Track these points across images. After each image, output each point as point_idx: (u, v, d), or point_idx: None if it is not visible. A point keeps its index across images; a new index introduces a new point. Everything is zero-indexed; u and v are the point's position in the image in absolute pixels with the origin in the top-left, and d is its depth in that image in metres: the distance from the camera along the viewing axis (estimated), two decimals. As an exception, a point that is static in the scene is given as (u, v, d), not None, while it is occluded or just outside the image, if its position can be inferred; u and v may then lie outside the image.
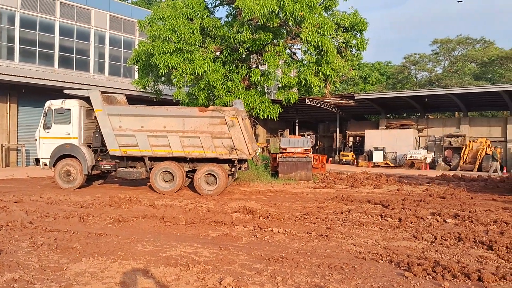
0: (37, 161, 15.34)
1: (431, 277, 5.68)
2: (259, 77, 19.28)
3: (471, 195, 14.68)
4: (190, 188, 15.09)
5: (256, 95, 19.99)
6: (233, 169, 14.47)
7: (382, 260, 6.50)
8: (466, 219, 9.89)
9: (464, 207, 11.76)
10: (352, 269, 5.99)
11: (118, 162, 14.70)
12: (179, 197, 13.06)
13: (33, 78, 24.32)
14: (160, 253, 6.59)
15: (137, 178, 14.82)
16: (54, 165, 14.73)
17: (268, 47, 18.73)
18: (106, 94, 15.02)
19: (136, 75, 27.39)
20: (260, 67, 21.12)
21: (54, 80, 25.09)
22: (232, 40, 18.45)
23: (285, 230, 8.43)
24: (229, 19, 21.25)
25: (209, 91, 19.81)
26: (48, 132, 14.84)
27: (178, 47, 17.88)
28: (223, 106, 18.26)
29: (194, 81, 19.61)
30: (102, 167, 14.80)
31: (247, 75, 20.04)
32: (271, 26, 18.04)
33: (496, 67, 52.44)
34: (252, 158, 14.85)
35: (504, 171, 28.39)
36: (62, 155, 14.67)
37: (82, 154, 14.51)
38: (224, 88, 19.24)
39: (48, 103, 15.05)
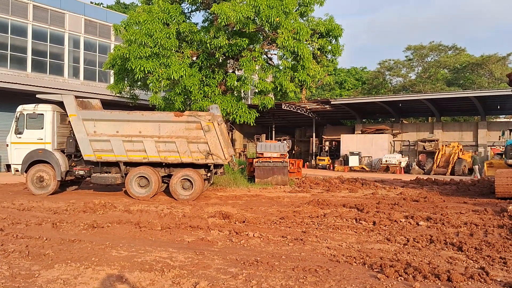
0: (8, 166, 15.00)
1: (402, 278, 5.79)
2: (236, 82, 19.37)
3: (443, 198, 15.00)
4: (166, 193, 15.00)
5: (233, 100, 20.05)
6: (209, 174, 14.46)
7: (355, 262, 6.60)
8: (438, 222, 10.12)
9: (436, 210, 12.02)
10: (326, 271, 6.07)
11: (93, 168, 14.53)
12: (155, 202, 12.97)
13: (5, 82, 23.80)
14: (134, 258, 6.54)
15: (112, 184, 14.66)
16: (26, 171, 14.44)
17: (245, 52, 18.83)
18: (81, 99, 14.85)
19: (112, 80, 27.13)
20: (236, 72, 21.22)
21: (27, 85, 24.59)
22: (208, 45, 18.49)
23: (261, 234, 8.47)
24: (206, 24, 21.32)
25: (186, 96, 19.78)
26: (20, 138, 14.56)
27: (154, 51, 17.82)
28: (199, 111, 18.26)
29: (170, 86, 19.55)
30: (76, 172, 14.59)
31: (224, 80, 20.10)
32: (247, 32, 18.18)
33: (468, 73, 53.79)
34: (228, 162, 14.87)
35: (476, 174, 29.08)
36: (34, 160, 14.40)
37: (56, 160, 14.28)
38: (201, 93, 19.26)
39: (20, 108, 14.77)
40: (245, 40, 18.28)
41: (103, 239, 7.84)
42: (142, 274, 5.68)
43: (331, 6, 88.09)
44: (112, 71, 22.39)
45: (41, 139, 14.47)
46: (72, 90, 24.87)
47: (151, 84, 18.51)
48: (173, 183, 13.98)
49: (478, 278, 5.76)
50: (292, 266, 6.31)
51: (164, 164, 14.19)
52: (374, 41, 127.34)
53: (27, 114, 14.61)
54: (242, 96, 22.87)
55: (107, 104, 19.04)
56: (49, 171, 14.35)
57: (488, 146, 32.02)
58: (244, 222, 9.86)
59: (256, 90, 19.98)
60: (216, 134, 13.62)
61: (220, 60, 20.02)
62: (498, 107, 33.59)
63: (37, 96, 15.22)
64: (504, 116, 43.01)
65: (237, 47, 18.47)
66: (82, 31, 29.94)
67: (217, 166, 14.48)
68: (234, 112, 20.06)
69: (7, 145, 14.79)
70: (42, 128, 14.50)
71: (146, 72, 17.99)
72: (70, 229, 8.85)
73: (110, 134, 13.73)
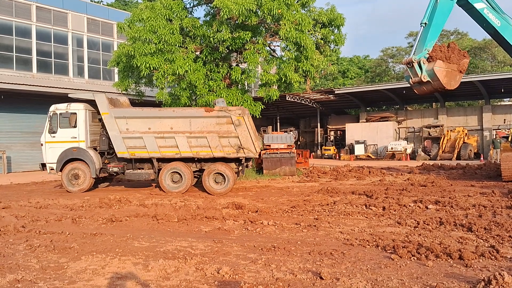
0: (43, 165, 15.30)
1: (415, 258, 6.02)
2: (240, 75, 19.52)
3: (450, 183, 15.21)
4: (198, 187, 15.21)
5: (238, 93, 20.22)
6: (240, 167, 14.75)
7: (369, 245, 6.83)
8: (447, 205, 10.33)
9: (444, 194, 12.23)
10: (341, 254, 6.31)
11: (126, 164, 14.82)
12: (168, 196, 13.23)
13: (12, 83, 24.04)
14: (156, 248, 6.80)
15: (146, 180, 14.97)
16: (61, 170, 14.75)
17: (248, 45, 18.97)
18: (110, 97, 15.10)
19: (116, 78, 27.34)
20: (240, 65, 21.35)
21: (33, 85, 24.87)
22: (211, 39, 18.64)
23: (275, 222, 8.72)
24: (208, 18, 21.44)
25: (191, 91, 19.97)
26: (54, 137, 14.85)
27: (159, 48, 18.01)
28: (205, 105, 18.49)
29: (175, 82, 19.74)
30: (110, 169, 14.89)
31: (228, 74, 20.26)
32: (250, 24, 18.31)
33: (471, 58, 53.61)
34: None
35: (481, 158, 29.21)
36: (69, 159, 14.73)
37: (90, 157, 14.60)
38: (206, 88, 19.43)
39: (53, 107, 15.07)
40: (248, 33, 18.40)
41: (124, 232, 8.11)
42: (167, 262, 5.93)
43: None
44: (117, 69, 22.58)
45: (75, 137, 14.76)
46: (78, 89, 25.13)
47: (156, 80, 18.70)
48: (205, 177, 14.20)
49: (489, 256, 5.98)
50: (308, 251, 6.55)
51: (196, 159, 14.44)
52: (377, 29, 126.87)
53: (60, 113, 14.89)
54: (247, 89, 23.02)
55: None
56: (84, 168, 14.67)
57: (493, 129, 32.06)
58: (257, 211, 10.10)
59: (261, 83, 20.13)
60: (247, 128, 13.84)
61: (224, 53, 20.16)
62: (502, 90, 33.55)
63: (69, 95, 15.51)
64: (508, 99, 42.95)
65: (240, 40, 18.60)
66: (85, 30, 30.09)
67: (247, 159, 14.75)
68: (239, 105, 20.23)
69: (41, 145, 15.08)
70: (75, 127, 14.79)
71: (152, 68, 18.20)
72: (89, 223, 9.13)
73: (142, 131, 13.98)
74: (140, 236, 7.69)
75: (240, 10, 16.71)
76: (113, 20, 30.32)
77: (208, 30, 19.05)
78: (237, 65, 21.20)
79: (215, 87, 19.65)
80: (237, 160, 14.55)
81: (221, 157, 14.23)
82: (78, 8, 29.67)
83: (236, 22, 18.98)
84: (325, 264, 5.88)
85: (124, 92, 22.01)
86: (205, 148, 14.02)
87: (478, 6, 14.31)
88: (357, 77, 60.69)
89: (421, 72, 12.92)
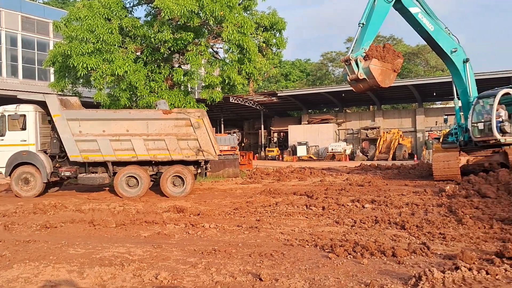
0: None
1: (351, 256, 6.22)
2: (182, 77, 19.35)
3: (386, 182, 15.85)
4: (154, 191, 14.83)
5: (180, 95, 20.02)
6: (199, 170, 14.51)
7: (308, 245, 6.98)
8: (382, 204, 10.76)
9: (380, 193, 12.72)
10: (281, 255, 6.40)
11: (79, 168, 14.16)
12: (106, 201, 12.83)
13: None
14: (92, 255, 6.58)
15: (100, 184, 14.40)
16: (10, 174, 13.92)
17: (190, 46, 18.81)
18: (61, 98, 14.39)
19: (52, 78, 26.18)
20: (182, 66, 21.16)
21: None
22: (152, 40, 18.32)
23: (216, 225, 8.70)
24: (149, 18, 21.06)
25: (131, 92, 19.51)
26: (2, 140, 13.97)
27: (97, 47, 17.47)
28: (146, 107, 18.16)
29: (115, 82, 19.22)
30: (61, 174, 14.18)
31: (170, 75, 19.99)
32: (192, 26, 18.16)
33: (405, 63, 56.21)
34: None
35: (415, 158, 30.70)
36: (19, 163, 13.92)
37: (41, 161, 13.87)
38: (147, 89, 19.08)
39: (0, 109, 14.15)
40: (190, 34, 18.26)
41: (58, 239, 7.77)
42: (103, 269, 5.75)
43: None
44: (53, 69, 21.65)
45: (24, 140, 13.96)
46: (11, 90, 23.82)
47: (94, 81, 18.13)
48: (164, 181, 13.86)
49: (420, 253, 6.28)
50: (249, 252, 6.59)
51: (153, 162, 14.06)
52: (318, 33, 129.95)
53: (8, 115, 13.99)
54: (190, 90, 22.86)
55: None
56: (34, 173, 13.91)
57: (426, 131, 33.81)
58: (199, 214, 10.04)
59: (204, 84, 20.05)
60: (206, 130, 13.66)
61: (166, 54, 19.90)
62: (434, 94, 35.50)
63: (18, 96, 14.63)
64: (440, 102, 45.43)
65: (182, 41, 18.42)
66: (19, 29, 28.63)
67: (207, 162, 14.56)
68: (182, 107, 20.03)
69: None
70: (25, 129, 13.98)
71: (89, 68, 17.61)
72: (22, 230, 8.68)
73: (96, 134, 13.41)
74: (76, 242, 7.40)
75: (182, 11, 16.55)
76: (49, 18, 29.00)
77: (149, 31, 18.72)
78: (179, 66, 20.98)
79: (156, 89, 19.34)
80: (196, 163, 14.36)
81: (180, 160, 14.00)
82: (12, 5, 28.20)
83: (178, 23, 18.78)
84: (265, 265, 5.94)
85: (60, 93, 21.11)
86: (163, 151, 13.71)
87: (413, 10, 15.06)
88: (299, 80, 61.83)
89: (358, 70, 13.41)
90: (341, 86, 36.14)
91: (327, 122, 37.67)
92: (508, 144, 14.89)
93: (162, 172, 14.16)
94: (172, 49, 19.29)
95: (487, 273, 5.04)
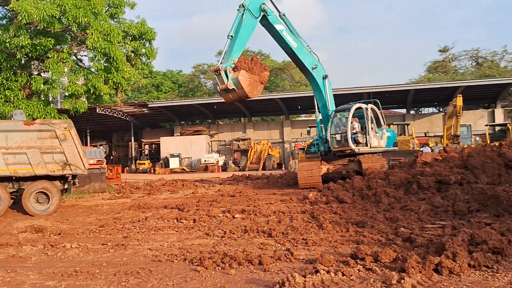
0: None
1: (220, 268, 6.24)
2: (42, 85, 18.00)
3: (256, 192, 16.36)
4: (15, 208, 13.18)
5: (40, 105, 18.54)
6: (66, 186, 13.34)
7: (177, 259, 6.84)
8: (251, 213, 11.03)
9: (250, 203, 13.06)
10: (148, 272, 6.17)
11: None
12: None
13: None
14: None
15: None
16: None
17: (51, 53, 17.56)
18: None
19: None
20: (42, 74, 19.64)
21: None
22: (8, 44, 16.77)
23: (79, 244, 8.12)
24: (4, 22, 19.23)
25: (-18, 101, 17.53)
26: None
27: None
28: (0, 117, 16.44)
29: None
30: None
31: (28, 83, 18.43)
32: (53, 31, 17.03)
33: (272, 77, 59.16)
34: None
35: (283, 168, 32.33)
36: None
37: None
38: (1, 98, 17.32)
39: None
40: (50, 40, 17.07)
41: None
42: None
43: (145, 9, 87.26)
44: None
45: None
46: None
47: None
48: (26, 198, 12.38)
49: (285, 259, 6.53)
50: (114, 272, 6.24)
51: (13, 178, 12.47)
52: (190, 45, 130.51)
53: None
54: (51, 100, 21.27)
55: None
56: None
57: (293, 142, 35.86)
58: (60, 234, 9.29)
59: (67, 94, 18.79)
60: (74, 142, 12.65)
61: (23, 61, 18.32)
62: (299, 107, 37.92)
63: None
64: (304, 115, 48.61)
65: (42, 48, 17.14)
66: None
67: (75, 176, 13.42)
68: (42, 118, 18.50)
69: None
70: None
71: None
72: None
73: None
74: None
75: (41, 16, 15.46)
76: None
77: (4, 35, 17.08)
78: (38, 74, 19.44)
79: (12, 98, 17.69)
80: (62, 178, 13.22)
81: (45, 175, 12.75)
82: None
83: (37, 27, 17.40)
84: (131, 284, 5.67)
85: None
86: (25, 165, 12.36)
87: (278, 27, 15.90)
88: (171, 91, 61.24)
89: (228, 80, 13.71)
90: (213, 98, 36.69)
91: (200, 134, 37.86)
92: (362, 154, 16.46)
93: (24, 189, 12.85)
94: (30, 55, 17.82)
95: (343, 275, 5.42)
